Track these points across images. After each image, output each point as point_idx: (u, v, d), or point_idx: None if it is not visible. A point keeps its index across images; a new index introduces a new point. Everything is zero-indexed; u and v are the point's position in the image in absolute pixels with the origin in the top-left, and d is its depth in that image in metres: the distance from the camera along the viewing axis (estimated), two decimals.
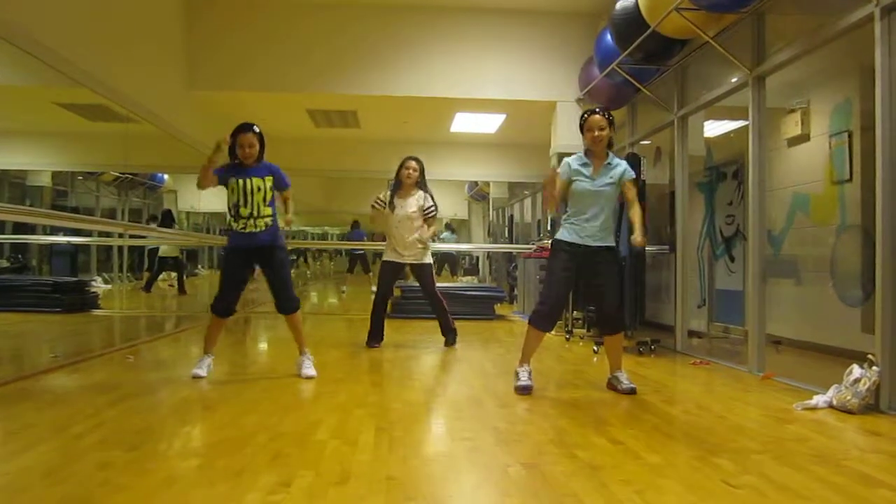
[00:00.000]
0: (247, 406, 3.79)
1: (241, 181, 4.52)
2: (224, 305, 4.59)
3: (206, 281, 15.73)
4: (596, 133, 4.17)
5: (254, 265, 4.79)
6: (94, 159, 11.51)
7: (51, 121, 9.31)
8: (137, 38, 6.56)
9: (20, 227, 11.93)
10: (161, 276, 13.52)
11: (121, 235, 11.75)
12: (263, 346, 7.01)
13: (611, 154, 4.29)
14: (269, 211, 4.56)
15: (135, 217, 15.13)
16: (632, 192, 4.26)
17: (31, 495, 2.32)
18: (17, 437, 3.07)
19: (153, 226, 12.48)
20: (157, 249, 12.84)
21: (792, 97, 5.91)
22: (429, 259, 6.26)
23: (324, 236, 26.93)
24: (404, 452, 2.91)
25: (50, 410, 3.62)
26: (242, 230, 4.53)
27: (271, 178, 4.59)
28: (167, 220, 13.45)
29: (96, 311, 9.37)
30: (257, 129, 4.57)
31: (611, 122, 4.24)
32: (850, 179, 5.32)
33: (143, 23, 6.77)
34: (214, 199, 16.32)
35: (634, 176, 4.29)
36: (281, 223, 4.80)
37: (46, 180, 12.83)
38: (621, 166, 4.25)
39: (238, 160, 4.56)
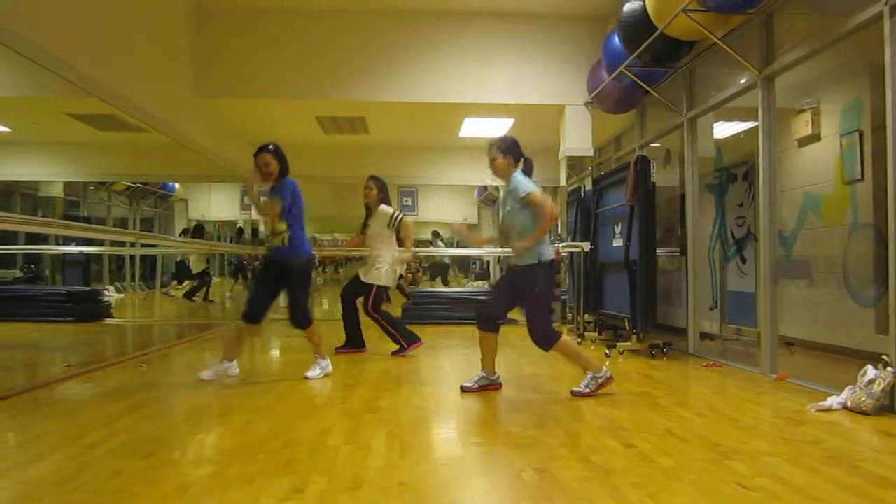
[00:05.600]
0: (259, 413, 3.80)
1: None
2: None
3: (218, 289, 15.78)
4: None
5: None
6: (106, 169, 11.60)
7: (62, 131, 9.41)
8: (146, 47, 6.60)
9: (33, 238, 12.06)
10: (173, 284, 13.63)
11: (133, 245, 11.83)
12: (275, 352, 7.02)
13: None
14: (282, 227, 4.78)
15: (146, 226, 15.24)
16: None
17: None
18: (31, 446, 3.09)
19: (184, 238, 12.65)
20: (184, 261, 13.04)
21: (802, 97, 5.88)
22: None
23: (333, 243, 26.96)
24: (416, 457, 2.91)
25: (63, 419, 3.64)
26: None
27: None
28: (199, 232, 13.60)
29: (109, 320, 9.42)
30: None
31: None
32: (862, 179, 5.28)
33: (152, 31, 6.81)
34: (225, 208, 16.48)
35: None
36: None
37: (58, 191, 12.96)
38: None
39: None
